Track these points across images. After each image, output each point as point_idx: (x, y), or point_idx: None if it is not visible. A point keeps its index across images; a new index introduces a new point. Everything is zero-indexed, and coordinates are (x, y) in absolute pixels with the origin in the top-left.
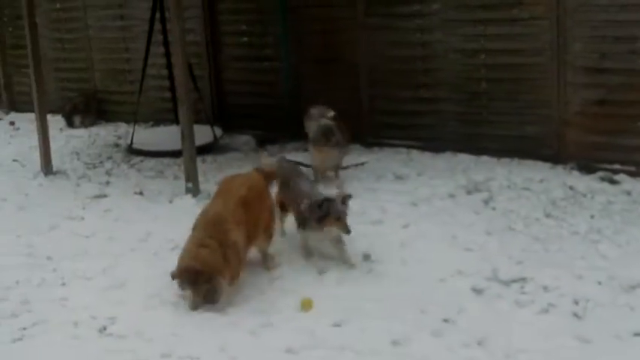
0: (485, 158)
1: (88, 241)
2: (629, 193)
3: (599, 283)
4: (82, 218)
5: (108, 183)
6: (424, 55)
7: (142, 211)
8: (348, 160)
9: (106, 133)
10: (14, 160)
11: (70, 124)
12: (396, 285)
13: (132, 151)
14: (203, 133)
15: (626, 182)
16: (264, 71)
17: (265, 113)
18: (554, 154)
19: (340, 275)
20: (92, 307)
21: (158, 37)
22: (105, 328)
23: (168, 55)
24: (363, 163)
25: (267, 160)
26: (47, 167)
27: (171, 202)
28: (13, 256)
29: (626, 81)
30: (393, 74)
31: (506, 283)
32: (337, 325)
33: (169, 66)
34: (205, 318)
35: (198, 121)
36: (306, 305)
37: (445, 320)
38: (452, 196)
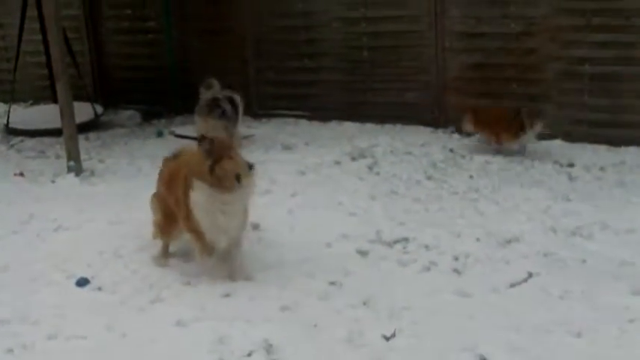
0: (369, 126)
1: None
2: (506, 154)
3: (478, 239)
4: None
5: None
6: (307, 24)
7: (23, 193)
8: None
9: None
10: None
11: None
12: (285, 252)
13: (9, 131)
14: (84, 111)
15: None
16: (148, 44)
17: (150, 87)
18: (434, 119)
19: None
20: None
21: (34, 11)
22: None
23: (43, 30)
24: (250, 136)
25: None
26: None
27: (53, 182)
28: None
29: (501, 45)
30: (279, 45)
31: (390, 244)
32: (227, 295)
33: (45, 42)
34: (92, 298)
35: (79, 98)
36: None
37: (332, 283)
38: (338, 163)
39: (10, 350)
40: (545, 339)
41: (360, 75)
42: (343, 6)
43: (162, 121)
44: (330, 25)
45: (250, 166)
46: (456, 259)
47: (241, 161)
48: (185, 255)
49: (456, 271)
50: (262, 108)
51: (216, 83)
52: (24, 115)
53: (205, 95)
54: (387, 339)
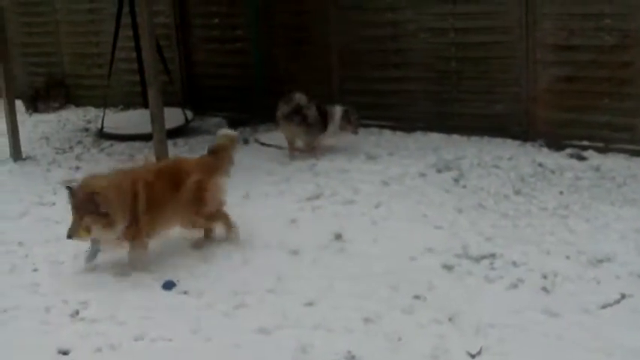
0: (455, 137)
1: (60, 227)
2: (597, 169)
3: (568, 257)
4: (53, 204)
5: (78, 168)
6: (394, 34)
7: None
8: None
9: (75, 117)
10: None
11: (35, 109)
12: (368, 263)
13: (102, 135)
14: (174, 116)
15: (594, 158)
16: (235, 53)
17: (236, 95)
18: (523, 132)
19: (313, 255)
20: (64, 291)
21: (127, 19)
22: (77, 313)
23: (136, 37)
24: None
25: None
26: (16, 153)
27: None
28: None
29: (594, 58)
30: (364, 54)
31: (476, 260)
32: (310, 304)
33: (138, 49)
34: (179, 300)
35: (168, 104)
36: None
37: (416, 297)
38: (422, 174)
39: (99, 349)
40: None
41: (446, 85)
42: (431, 16)
43: (248, 129)
44: (418, 36)
45: None
46: (545, 277)
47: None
48: (269, 262)
49: (545, 289)
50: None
51: (299, 97)
52: (115, 119)
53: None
54: (473, 356)
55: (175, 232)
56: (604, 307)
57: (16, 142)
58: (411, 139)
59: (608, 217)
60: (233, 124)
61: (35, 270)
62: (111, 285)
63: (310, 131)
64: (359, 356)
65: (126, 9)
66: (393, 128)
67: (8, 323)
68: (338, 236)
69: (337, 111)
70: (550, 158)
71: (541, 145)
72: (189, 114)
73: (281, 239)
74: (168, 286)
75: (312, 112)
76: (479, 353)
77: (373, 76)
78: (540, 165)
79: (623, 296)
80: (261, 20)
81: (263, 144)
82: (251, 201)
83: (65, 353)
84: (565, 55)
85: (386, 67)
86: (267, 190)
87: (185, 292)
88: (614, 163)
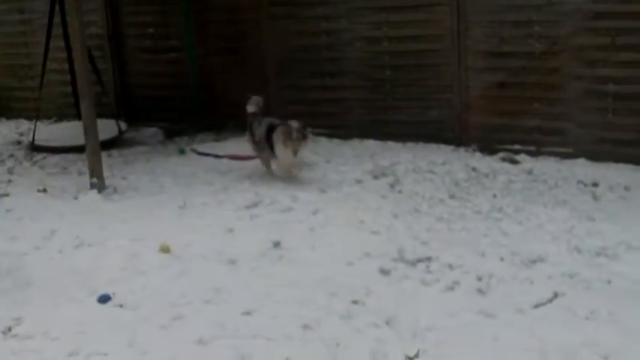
0: (390, 144)
1: None
2: (529, 172)
3: (502, 259)
4: None
5: (10, 181)
6: (329, 43)
7: (46, 209)
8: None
9: (7, 130)
10: None
11: None
12: (306, 270)
13: (34, 147)
14: (108, 127)
15: (527, 162)
16: (170, 62)
17: (172, 105)
18: (456, 137)
19: (251, 264)
20: None
21: (59, 30)
22: (10, 329)
23: (68, 48)
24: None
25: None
26: None
27: (76, 198)
28: None
29: (524, 64)
30: (300, 63)
31: (413, 263)
32: (248, 313)
33: (70, 60)
34: (114, 315)
35: (102, 116)
36: (165, 249)
37: (354, 302)
38: (359, 181)
39: None
40: None
41: (381, 93)
42: (366, 25)
43: (185, 138)
44: (353, 44)
45: None
46: (480, 279)
47: None
48: (206, 272)
49: (480, 291)
50: None
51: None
52: (48, 131)
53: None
54: (411, 359)
55: (110, 244)
56: (537, 306)
57: None
58: (347, 146)
59: (541, 218)
60: (169, 135)
61: None
62: (44, 300)
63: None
64: None
65: (57, 19)
66: (330, 136)
67: None
68: (276, 244)
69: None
70: (483, 162)
71: (474, 150)
72: (124, 125)
73: (219, 249)
74: (104, 299)
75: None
76: (417, 356)
77: (309, 85)
78: (474, 169)
79: (555, 295)
80: (195, 30)
81: (200, 153)
82: (188, 211)
83: None
84: (496, 62)
85: (321, 76)
86: (205, 200)
87: (121, 306)
88: (546, 166)
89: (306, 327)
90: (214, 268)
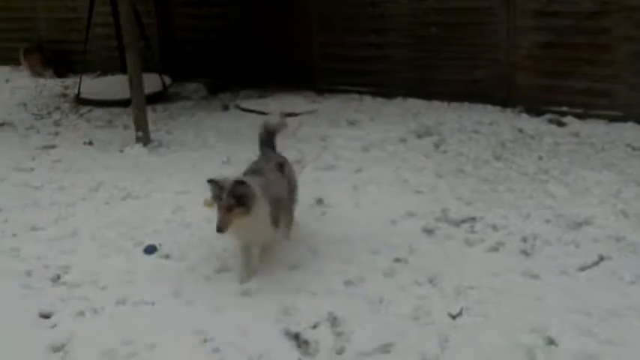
0: (436, 103)
1: (39, 192)
2: (576, 135)
3: (547, 221)
4: (32, 169)
5: (57, 134)
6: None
7: (92, 161)
8: (300, 107)
9: (53, 83)
10: None
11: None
12: (349, 228)
13: (80, 101)
14: (152, 82)
15: (574, 124)
16: (214, 18)
17: (216, 60)
18: (503, 98)
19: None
20: (45, 256)
21: None
22: (58, 277)
23: (113, 2)
24: (313, 111)
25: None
26: None
27: (121, 151)
28: None
29: (573, 24)
30: (344, 20)
31: (456, 223)
32: (293, 268)
33: (115, 13)
34: (160, 265)
35: (147, 70)
36: (209, 204)
37: (397, 260)
38: (403, 140)
39: (81, 313)
40: (615, 323)
41: (427, 51)
42: None
43: (228, 94)
44: (399, 1)
45: None
46: (525, 240)
47: None
48: None
49: (525, 252)
50: (326, 83)
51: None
52: (93, 85)
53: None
54: (454, 317)
55: (156, 196)
56: (582, 269)
57: None
58: (391, 105)
59: (587, 181)
60: (213, 90)
61: (14, 235)
62: (91, 250)
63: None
64: (341, 317)
65: None
66: (374, 94)
67: None
68: (319, 201)
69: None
70: (530, 124)
71: (521, 111)
72: (168, 80)
73: None
74: (150, 250)
75: None
76: (459, 314)
77: (353, 42)
78: (520, 130)
79: (601, 258)
80: None
81: (244, 109)
82: (232, 167)
83: (47, 317)
84: (545, 21)
85: (366, 33)
86: (249, 156)
87: (166, 257)
88: (593, 128)
89: (349, 283)
90: None
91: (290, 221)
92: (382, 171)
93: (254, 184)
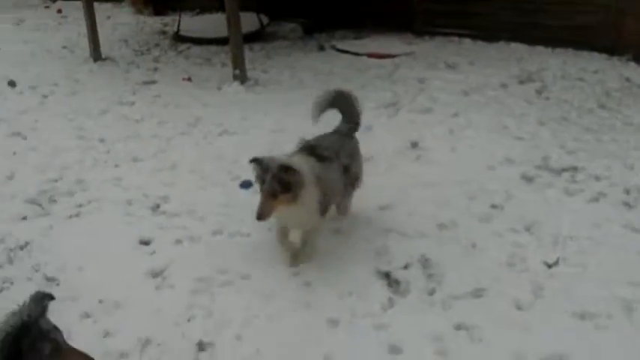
0: (539, 48)
1: (139, 125)
2: None
3: None
4: (133, 103)
5: (156, 69)
6: None
7: (190, 97)
8: (397, 48)
9: (152, 21)
10: (63, 47)
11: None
12: (444, 172)
13: (179, 38)
14: (249, 21)
15: None
16: None
17: (313, 0)
18: (610, 45)
19: (388, 161)
20: (145, 186)
21: None
22: (158, 207)
23: None
24: (411, 53)
25: None
26: (96, 54)
27: (219, 88)
28: (66, 139)
29: None
30: None
31: (557, 172)
32: (384, 208)
33: None
34: (255, 199)
35: (244, 9)
36: None
37: (493, 206)
38: (504, 85)
39: (179, 241)
40: None
41: None
42: None
43: (324, 34)
44: None
45: None
46: (627, 192)
47: None
48: None
49: (627, 204)
50: (425, 25)
51: None
52: (192, 23)
53: None
54: (550, 266)
55: (252, 133)
56: None
57: (96, 43)
58: (492, 48)
59: None
60: (308, 30)
61: (117, 165)
62: (190, 182)
63: None
64: (433, 260)
65: None
66: (474, 37)
67: (93, 213)
68: (414, 144)
69: None
70: (638, 73)
71: (628, 59)
72: (265, 19)
73: None
74: (246, 185)
75: None
76: (556, 263)
77: None
78: (627, 79)
79: None
80: None
81: (339, 50)
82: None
83: (146, 243)
84: None
85: None
86: None
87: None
88: None
89: (441, 226)
90: None
91: (345, 208)
92: (481, 116)
93: (304, 167)
